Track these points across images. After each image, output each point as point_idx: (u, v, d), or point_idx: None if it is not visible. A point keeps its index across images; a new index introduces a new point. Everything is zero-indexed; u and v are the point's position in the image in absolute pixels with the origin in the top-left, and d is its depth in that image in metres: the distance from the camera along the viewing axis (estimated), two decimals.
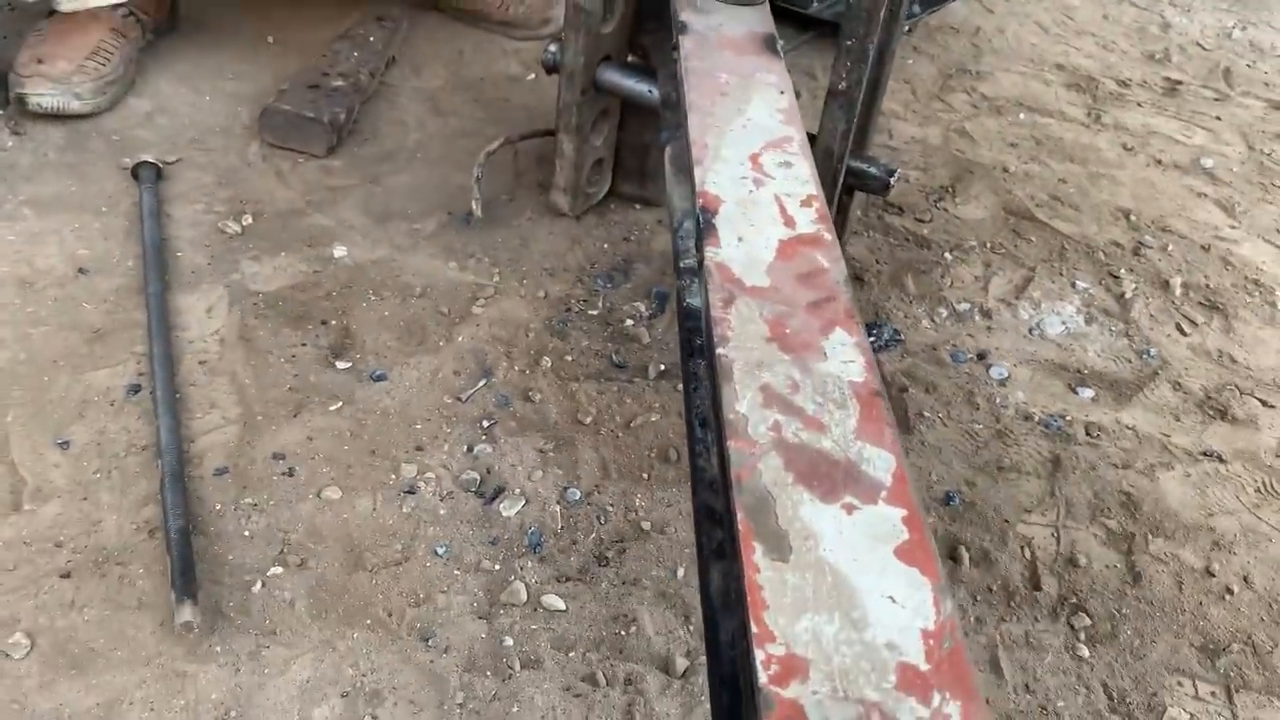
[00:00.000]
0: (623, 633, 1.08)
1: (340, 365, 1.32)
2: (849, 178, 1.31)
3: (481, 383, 1.32)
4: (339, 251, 1.49)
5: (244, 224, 1.50)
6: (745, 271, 0.83)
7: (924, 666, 0.56)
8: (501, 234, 1.56)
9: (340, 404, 1.27)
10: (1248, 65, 2.40)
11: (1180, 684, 1.11)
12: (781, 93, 1.09)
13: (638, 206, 1.65)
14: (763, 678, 0.55)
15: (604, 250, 1.56)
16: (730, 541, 0.72)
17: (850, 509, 0.65)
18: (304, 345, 1.34)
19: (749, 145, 0.99)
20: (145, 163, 1.53)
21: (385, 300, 1.42)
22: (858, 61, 1.15)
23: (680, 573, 1.14)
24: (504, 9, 2.06)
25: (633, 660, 1.06)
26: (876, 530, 0.63)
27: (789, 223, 0.90)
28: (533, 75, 1.97)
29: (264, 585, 1.07)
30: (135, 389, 1.25)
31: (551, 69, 1.42)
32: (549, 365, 1.36)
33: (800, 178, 0.96)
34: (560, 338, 1.40)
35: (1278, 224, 1.85)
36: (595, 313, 1.45)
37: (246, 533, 1.12)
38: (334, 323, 1.38)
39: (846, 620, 0.58)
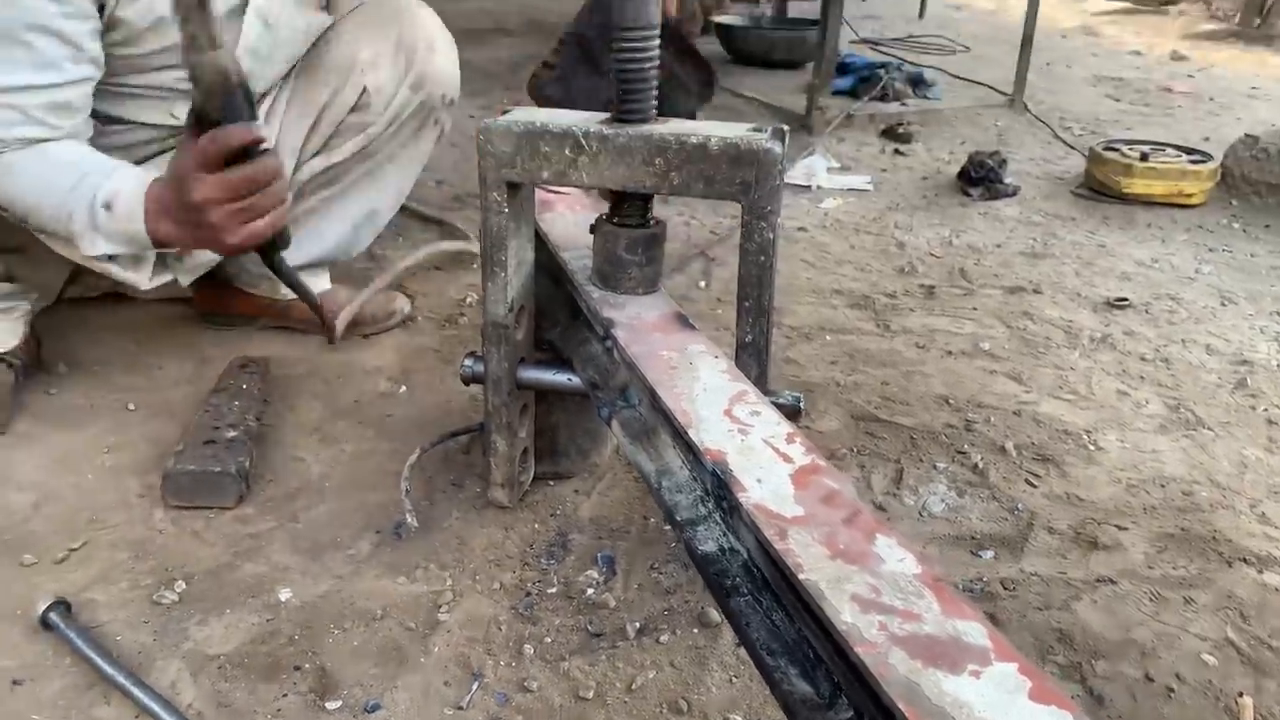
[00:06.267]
0: None
1: (330, 705, 1.30)
2: None
3: (475, 686, 1.34)
4: (284, 595, 1.48)
5: (179, 591, 1.47)
6: (780, 507, 0.97)
7: None
8: (437, 538, 1.61)
9: None
10: (975, 264, 2.91)
11: None
12: (716, 357, 1.27)
13: (551, 482, 1.75)
14: None
15: (536, 530, 1.64)
16: None
17: (976, 674, 0.77)
18: (285, 695, 1.31)
19: (719, 404, 1.15)
20: (56, 603, 1.37)
21: (349, 631, 1.42)
22: (759, 316, 1.37)
23: None
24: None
25: None
26: (1005, 685, 0.76)
27: (786, 459, 1.05)
28: (403, 389, 2.07)
29: None
30: None
31: (470, 380, 1.54)
32: (532, 652, 1.40)
33: (773, 420, 1.12)
34: (532, 622, 1.45)
35: (1057, 383, 2.23)
36: (554, 590, 1.51)
37: None
38: (307, 666, 1.36)
39: None
